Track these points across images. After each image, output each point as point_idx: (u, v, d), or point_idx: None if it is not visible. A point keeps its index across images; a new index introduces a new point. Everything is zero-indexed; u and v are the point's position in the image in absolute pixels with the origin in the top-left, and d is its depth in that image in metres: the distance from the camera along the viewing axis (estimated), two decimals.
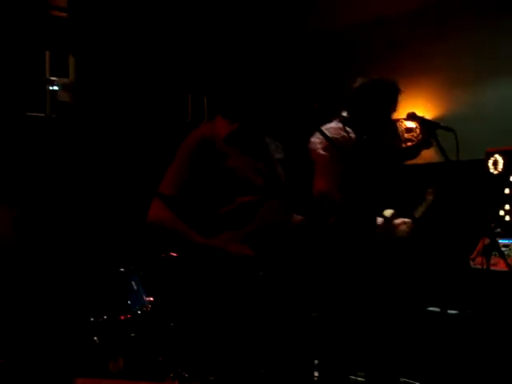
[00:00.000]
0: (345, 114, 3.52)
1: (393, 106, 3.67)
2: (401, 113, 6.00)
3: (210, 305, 2.54)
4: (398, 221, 3.65)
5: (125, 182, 5.26)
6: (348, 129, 3.37)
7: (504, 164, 4.91)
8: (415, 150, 5.43)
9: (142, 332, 3.94)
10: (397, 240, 3.58)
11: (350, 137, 3.34)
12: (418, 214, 3.75)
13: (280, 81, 2.78)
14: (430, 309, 4.81)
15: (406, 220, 3.68)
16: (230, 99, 2.77)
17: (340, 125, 3.39)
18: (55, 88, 5.43)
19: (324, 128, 3.15)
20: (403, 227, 3.64)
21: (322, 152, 3.29)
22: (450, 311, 4.61)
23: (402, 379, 4.46)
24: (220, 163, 2.56)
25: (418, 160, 5.76)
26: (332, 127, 3.37)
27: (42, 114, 5.36)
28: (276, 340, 2.55)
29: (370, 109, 3.53)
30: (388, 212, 3.61)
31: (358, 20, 6.20)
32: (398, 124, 6.08)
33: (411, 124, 5.98)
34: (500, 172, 4.93)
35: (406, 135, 6.03)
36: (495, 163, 4.98)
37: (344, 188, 3.24)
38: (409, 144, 5.96)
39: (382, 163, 3.68)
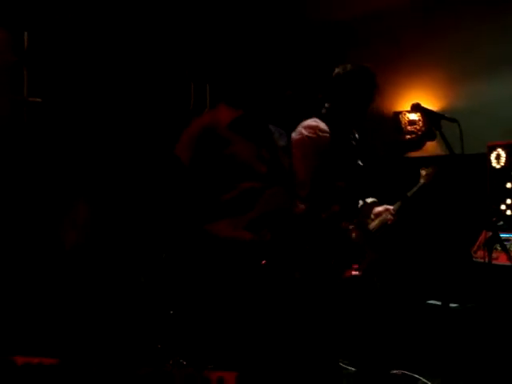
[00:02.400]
0: (327, 105, 3.46)
1: (373, 94, 3.61)
2: (404, 105, 6.06)
3: (207, 292, 2.54)
4: (380, 208, 3.70)
5: (128, 171, 5.24)
6: (324, 127, 3.31)
7: (506, 158, 4.90)
8: (419, 142, 5.44)
9: (140, 319, 3.93)
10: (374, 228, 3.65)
11: (326, 136, 3.28)
12: (409, 194, 3.89)
13: (282, 69, 2.78)
14: (431, 302, 4.81)
15: (389, 207, 3.74)
16: (234, 86, 2.77)
17: (317, 123, 3.33)
18: None
19: (301, 125, 3.16)
20: (386, 214, 3.69)
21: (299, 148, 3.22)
22: (451, 305, 4.61)
23: (402, 372, 4.47)
24: (223, 149, 2.56)
25: (422, 152, 5.78)
26: (309, 125, 3.31)
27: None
28: (277, 329, 2.55)
29: (352, 97, 3.46)
30: (369, 200, 3.69)
31: (359, 11, 6.17)
32: (400, 116, 6.07)
33: (414, 116, 5.96)
34: (502, 166, 4.92)
35: (409, 128, 6.01)
36: (498, 157, 4.97)
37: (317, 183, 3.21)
38: (412, 136, 5.95)
39: (358, 158, 3.63)
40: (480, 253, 4.25)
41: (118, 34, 5.62)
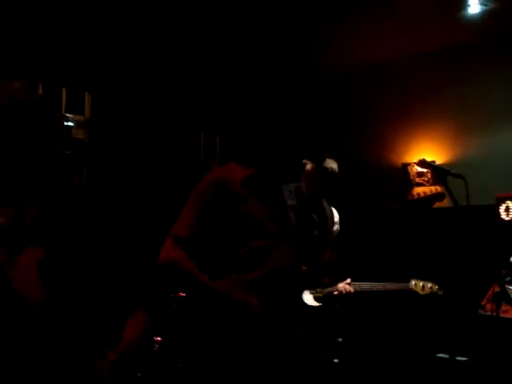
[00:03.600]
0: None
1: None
2: (412, 157, 6.09)
3: (212, 349, 2.53)
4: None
5: (137, 220, 5.27)
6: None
7: None
8: (428, 202, 5.44)
9: (148, 371, 3.92)
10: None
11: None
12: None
13: (295, 129, 2.83)
14: (439, 355, 4.76)
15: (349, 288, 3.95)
16: (247, 145, 2.80)
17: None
18: (70, 124, 5.49)
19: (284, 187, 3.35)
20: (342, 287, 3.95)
21: None
22: (458, 358, 4.56)
23: None
24: (236, 206, 2.57)
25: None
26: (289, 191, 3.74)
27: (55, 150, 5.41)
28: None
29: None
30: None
31: (368, 64, 6.27)
32: (409, 168, 6.09)
33: (422, 169, 5.98)
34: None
35: (417, 179, 6.03)
36: (507, 209, 4.97)
37: None
38: (421, 189, 5.97)
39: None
40: (488, 306, 4.22)
41: (132, 84, 5.72)
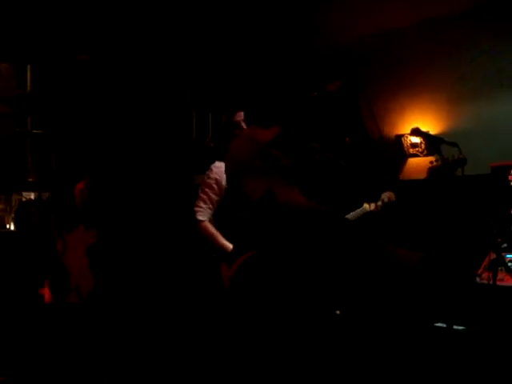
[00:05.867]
0: None
1: None
2: (406, 128, 6.07)
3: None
4: None
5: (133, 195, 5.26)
6: None
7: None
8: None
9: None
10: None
11: None
12: (350, 217, 3.93)
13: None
14: (437, 324, 4.78)
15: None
16: (269, 107, 2.80)
17: None
18: None
19: None
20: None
21: None
22: (456, 327, 4.58)
23: None
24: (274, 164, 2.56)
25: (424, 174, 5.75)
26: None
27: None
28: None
29: None
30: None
31: (360, 34, 6.22)
32: (402, 139, 6.08)
33: (416, 139, 5.97)
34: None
35: (411, 150, 6.02)
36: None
37: None
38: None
39: None
40: (485, 274, 4.24)
41: (121, 63, 5.67)
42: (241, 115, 3.77)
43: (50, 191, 5.11)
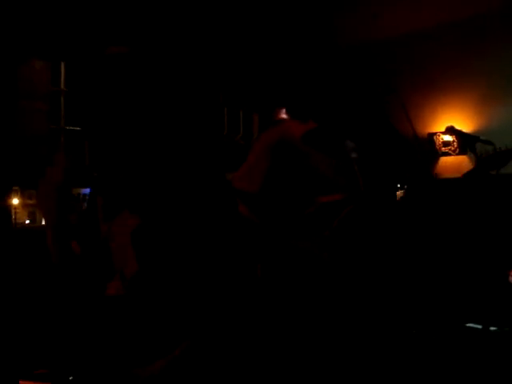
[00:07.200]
0: None
1: None
2: (439, 126, 6.03)
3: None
4: None
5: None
6: None
7: None
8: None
9: None
10: None
11: None
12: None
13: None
14: (470, 325, 4.74)
15: None
16: (305, 101, 2.77)
17: None
18: None
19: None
20: None
21: None
22: (490, 328, 4.54)
23: None
24: (301, 162, 2.51)
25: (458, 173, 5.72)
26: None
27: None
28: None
29: None
30: None
31: (396, 33, 6.19)
32: (435, 138, 6.04)
33: (448, 137, 5.93)
34: None
35: (443, 149, 5.98)
36: None
37: None
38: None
39: None
40: None
41: (154, 63, 5.70)
42: (283, 111, 3.73)
43: (83, 187, 5.15)
